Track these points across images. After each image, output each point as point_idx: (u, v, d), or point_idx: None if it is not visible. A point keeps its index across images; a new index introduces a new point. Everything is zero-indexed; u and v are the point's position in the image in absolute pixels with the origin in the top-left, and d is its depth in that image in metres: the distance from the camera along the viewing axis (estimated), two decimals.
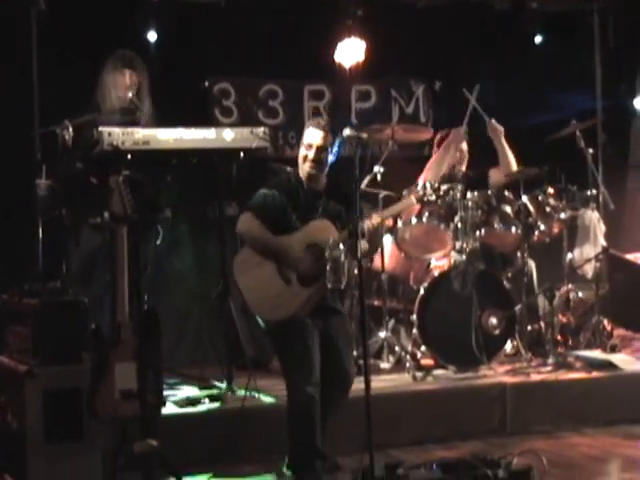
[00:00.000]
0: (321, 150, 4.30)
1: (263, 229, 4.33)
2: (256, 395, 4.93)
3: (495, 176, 5.97)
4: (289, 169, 4.59)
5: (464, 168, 5.90)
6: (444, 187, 4.74)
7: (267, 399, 4.92)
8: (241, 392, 4.90)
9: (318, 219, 4.36)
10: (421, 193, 4.65)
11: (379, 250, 5.47)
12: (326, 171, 4.40)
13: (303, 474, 4.20)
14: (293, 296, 4.31)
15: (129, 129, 4.78)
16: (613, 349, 5.87)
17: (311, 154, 4.28)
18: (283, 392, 4.45)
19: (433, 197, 4.79)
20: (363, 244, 4.25)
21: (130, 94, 5.09)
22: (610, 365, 5.57)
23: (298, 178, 4.40)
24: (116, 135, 4.67)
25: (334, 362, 4.28)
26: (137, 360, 4.45)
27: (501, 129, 5.98)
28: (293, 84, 6.72)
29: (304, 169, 4.36)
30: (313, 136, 4.34)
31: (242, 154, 5.06)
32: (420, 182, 5.08)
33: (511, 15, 6.85)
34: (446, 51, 6.70)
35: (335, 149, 4.62)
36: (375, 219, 4.35)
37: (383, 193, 5.34)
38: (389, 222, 5.45)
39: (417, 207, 5.45)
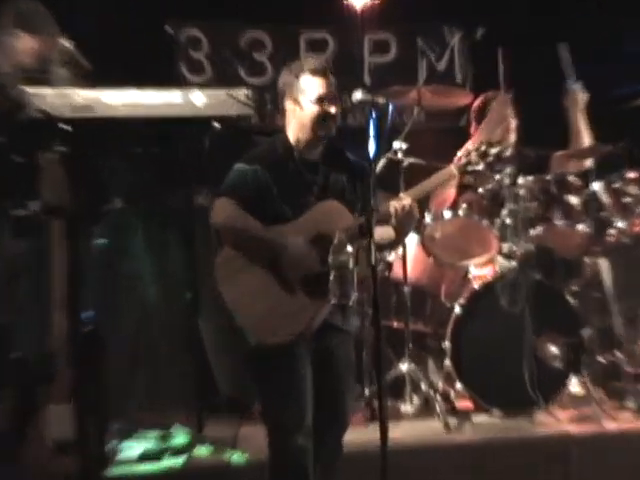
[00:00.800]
0: (335, 101, 3.87)
1: (247, 217, 3.81)
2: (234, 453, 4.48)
3: (560, 162, 5.40)
4: (280, 134, 4.05)
5: (513, 144, 5.27)
6: (494, 150, 4.07)
7: (247, 455, 4.42)
8: (213, 444, 4.52)
9: (325, 200, 3.87)
10: (464, 161, 4.00)
11: (396, 253, 5.08)
12: None
13: None
14: (300, 310, 3.78)
15: (67, 90, 4.29)
16: None
17: (332, 109, 3.81)
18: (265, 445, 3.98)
19: (481, 165, 4.08)
20: (386, 232, 3.83)
21: (29, 58, 4.54)
22: None
23: (287, 146, 3.86)
24: (48, 98, 4.22)
25: (329, 398, 3.86)
26: (75, 401, 4.19)
27: (584, 98, 5.48)
28: (285, 31, 6.33)
29: (313, 134, 3.85)
30: (320, 84, 3.82)
31: (217, 124, 4.53)
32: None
33: None
34: None
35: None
36: (405, 199, 3.77)
37: (407, 161, 4.92)
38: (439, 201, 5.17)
39: (451, 196, 5.10)
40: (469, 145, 4.52)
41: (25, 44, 4.55)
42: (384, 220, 3.84)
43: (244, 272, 3.82)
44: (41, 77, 4.60)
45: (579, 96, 5.59)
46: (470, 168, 4.09)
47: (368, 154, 3.52)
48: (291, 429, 3.74)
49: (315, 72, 3.84)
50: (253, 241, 3.83)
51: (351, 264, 3.56)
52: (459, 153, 4.24)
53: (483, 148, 4.01)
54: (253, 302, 3.81)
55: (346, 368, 3.97)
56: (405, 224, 3.89)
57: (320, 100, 3.82)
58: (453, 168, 4.12)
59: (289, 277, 3.76)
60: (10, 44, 4.60)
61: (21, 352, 4.34)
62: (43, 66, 4.64)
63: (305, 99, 3.82)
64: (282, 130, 4.01)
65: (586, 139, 5.52)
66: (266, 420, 3.88)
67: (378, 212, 3.81)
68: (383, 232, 3.92)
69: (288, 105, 3.86)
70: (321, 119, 3.83)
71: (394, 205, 3.82)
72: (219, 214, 3.81)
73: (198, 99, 4.43)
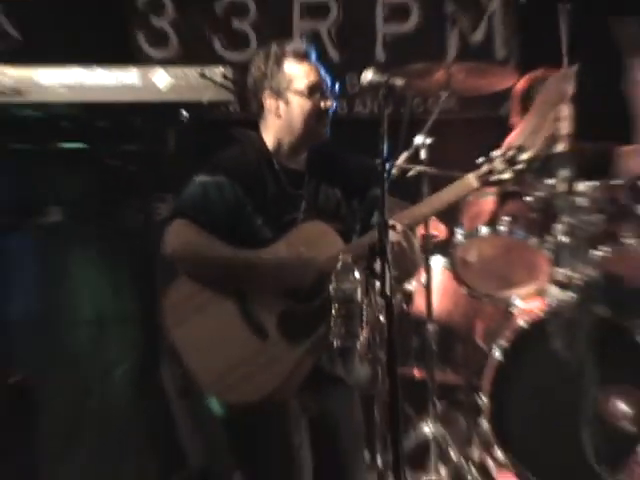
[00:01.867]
0: (331, 94, 3.55)
1: (212, 242, 3.43)
2: None
3: (629, 160, 4.86)
4: (251, 134, 3.69)
5: (568, 138, 4.62)
6: (524, 157, 3.60)
7: None
8: None
9: (308, 221, 3.47)
10: (485, 168, 3.52)
11: (418, 280, 4.64)
12: None
13: None
14: (273, 359, 3.41)
15: None
16: None
17: (328, 103, 3.49)
18: None
19: (507, 174, 3.60)
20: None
21: None
22: None
23: (264, 151, 3.49)
24: None
25: (331, 477, 3.52)
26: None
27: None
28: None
29: (302, 135, 3.49)
30: (310, 71, 3.45)
31: (185, 113, 4.16)
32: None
33: None
34: None
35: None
36: (396, 228, 3.39)
37: (415, 169, 4.45)
38: (439, 231, 4.72)
39: (490, 206, 4.63)
40: (501, 148, 3.94)
41: None
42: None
43: (204, 313, 3.49)
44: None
45: None
46: (494, 178, 3.58)
47: (382, 152, 2.96)
48: None
49: (303, 56, 3.46)
50: (219, 266, 3.46)
51: (359, 295, 3.04)
52: (481, 159, 3.70)
53: (511, 153, 3.55)
54: (213, 350, 3.44)
55: (353, 434, 3.56)
56: (402, 258, 3.42)
57: (312, 91, 3.43)
58: (472, 178, 3.62)
59: (262, 317, 3.38)
60: None
61: None
62: None
63: (291, 91, 3.44)
64: (251, 135, 3.66)
65: None
66: None
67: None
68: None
69: (266, 100, 3.46)
70: (314, 116, 3.46)
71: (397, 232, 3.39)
72: (173, 241, 3.42)
73: (161, 80, 4.03)
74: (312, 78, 3.44)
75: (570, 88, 4.58)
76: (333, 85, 3.51)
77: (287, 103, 3.39)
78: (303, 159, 3.54)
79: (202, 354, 3.43)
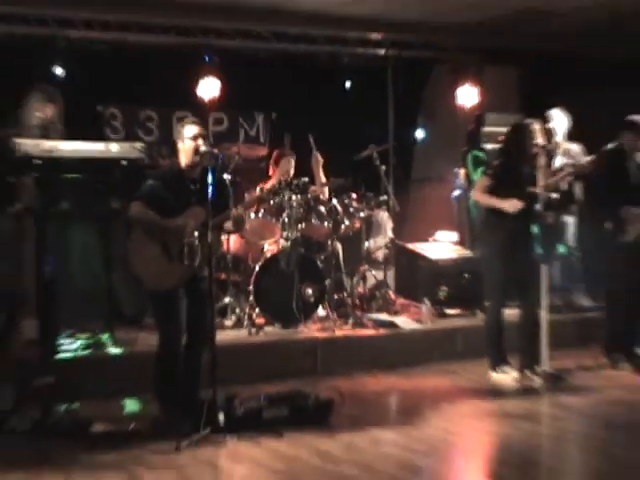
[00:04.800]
0: (204, 139, 5.01)
1: (148, 212, 5.00)
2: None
3: (314, 189, 7.39)
4: (168, 162, 5.42)
5: (290, 178, 6.99)
6: (285, 184, 5.64)
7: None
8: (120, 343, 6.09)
9: (193, 206, 5.02)
10: (275, 188, 5.69)
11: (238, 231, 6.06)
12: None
13: (164, 402, 5.18)
14: (172, 272, 5.08)
15: (39, 141, 5.74)
16: (396, 313, 7.43)
17: (203, 143, 4.98)
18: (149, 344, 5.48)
19: (286, 191, 6.01)
20: (229, 225, 5.19)
21: (49, 117, 6.34)
22: (393, 325, 7.06)
23: (179, 168, 5.09)
24: (28, 145, 5.64)
25: (195, 316, 5.16)
26: (38, 317, 5.57)
27: (321, 160, 7.52)
28: (165, 111, 8.11)
29: (192, 160, 5.01)
30: (197, 129, 5.06)
31: (124, 162, 6.00)
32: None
33: (330, 68, 8.53)
34: (281, 91, 8.34)
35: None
36: (240, 209, 5.17)
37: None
38: (253, 209, 6.64)
39: (255, 205, 6.66)
40: (273, 180, 6.41)
41: (50, 109, 6.28)
42: (231, 218, 5.05)
43: (145, 246, 5.05)
44: (48, 128, 6.14)
45: (319, 160, 7.56)
46: (278, 192, 5.70)
47: (213, 182, 4.81)
48: (172, 336, 5.09)
49: (192, 122, 5.09)
50: (152, 225, 4.94)
51: (196, 243, 4.97)
52: (260, 186, 6.13)
53: (283, 183, 5.62)
54: (148, 265, 5.07)
55: (204, 298, 5.11)
56: (239, 221, 5.11)
57: (195, 138, 4.96)
58: (259, 192, 5.90)
59: (171, 250, 5.02)
60: (43, 109, 6.23)
61: (7, 288, 5.80)
62: (54, 120, 6.23)
63: (186, 138, 5.00)
64: (160, 167, 5.59)
65: (322, 181, 7.49)
66: (159, 330, 5.17)
67: (224, 212, 5.02)
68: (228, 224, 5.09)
69: (179, 144, 5.05)
70: (194, 150, 4.98)
71: (234, 212, 5.07)
72: (133, 210, 4.97)
73: (114, 148, 6.05)
74: (198, 131, 4.96)
75: (292, 161, 7.05)
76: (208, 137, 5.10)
77: (184, 143, 4.94)
78: (198, 172, 5.01)
79: (142, 266, 5.08)
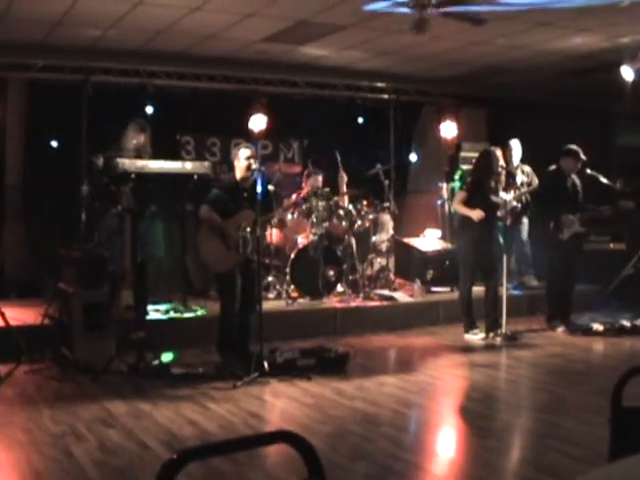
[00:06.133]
0: (256, 160, 5.05)
1: (214, 214, 5.02)
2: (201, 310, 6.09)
3: (337, 198, 7.28)
4: (227, 176, 5.33)
5: (317, 189, 7.12)
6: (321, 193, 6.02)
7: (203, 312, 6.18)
8: (193, 308, 6.11)
9: (245, 209, 5.03)
10: (294, 200, 5.94)
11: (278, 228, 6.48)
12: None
13: (224, 353, 5.17)
14: (230, 258, 5.12)
15: (134, 160, 5.74)
16: (395, 290, 7.46)
17: (254, 162, 4.99)
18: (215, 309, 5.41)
19: (302, 202, 6.16)
20: (275, 222, 5.30)
21: (142, 143, 6.47)
22: (392, 298, 7.09)
23: (236, 181, 5.13)
24: (126, 163, 5.58)
25: (248, 290, 5.17)
26: (134, 289, 5.44)
27: (345, 177, 7.50)
28: (225, 138, 7.93)
29: (246, 174, 4.98)
30: (249, 152, 5.09)
31: (195, 176, 5.88)
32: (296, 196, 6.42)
33: (347, 107, 8.59)
34: (311, 124, 8.30)
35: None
36: (280, 212, 5.58)
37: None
38: (290, 211, 6.68)
39: (292, 207, 6.84)
40: (305, 191, 6.50)
41: (143, 137, 6.46)
42: (265, 222, 5.20)
43: (211, 239, 5.07)
44: (141, 151, 6.29)
45: (343, 176, 7.28)
46: (308, 199, 5.87)
47: (261, 191, 4.80)
48: (231, 304, 5.06)
49: (246, 147, 5.13)
50: (216, 224, 4.98)
51: (248, 236, 5.00)
52: (295, 194, 6.17)
53: (312, 193, 5.92)
54: (213, 252, 5.09)
55: (254, 277, 5.12)
56: (281, 220, 5.50)
57: (248, 159, 4.99)
58: (292, 201, 5.92)
59: (228, 242, 5.04)
60: (138, 137, 6.42)
61: (112, 267, 5.78)
62: (145, 144, 6.42)
63: (242, 158, 5.03)
64: (232, 175, 5.14)
65: (345, 191, 7.39)
66: (220, 300, 5.20)
67: (268, 213, 5.17)
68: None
69: (235, 163, 5.11)
70: (247, 168, 4.99)
71: (275, 215, 5.48)
72: (202, 212, 5.07)
73: (188, 165, 5.95)
74: (249, 154, 4.99)
75: (318, 180, 6.91)
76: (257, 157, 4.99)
77: (240, 162, 4.96)
78: (249, 184, 4.99)
79: (207, 253, 5.10)
